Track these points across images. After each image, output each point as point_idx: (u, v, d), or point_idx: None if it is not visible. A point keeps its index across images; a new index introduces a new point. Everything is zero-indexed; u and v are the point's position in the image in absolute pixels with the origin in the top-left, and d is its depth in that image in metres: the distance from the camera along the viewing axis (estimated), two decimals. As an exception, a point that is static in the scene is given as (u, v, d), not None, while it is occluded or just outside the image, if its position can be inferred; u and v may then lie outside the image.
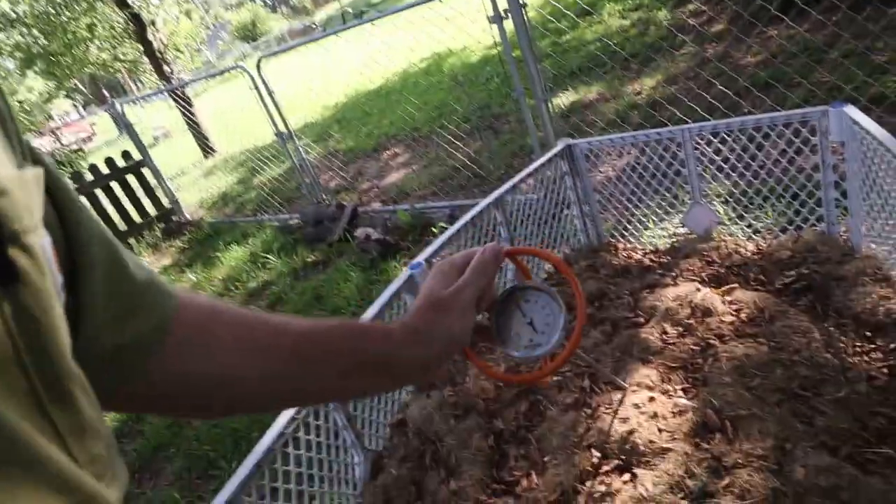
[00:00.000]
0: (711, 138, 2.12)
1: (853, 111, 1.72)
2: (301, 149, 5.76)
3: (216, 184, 9.45)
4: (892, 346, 1.46)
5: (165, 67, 11.23)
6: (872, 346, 1.48)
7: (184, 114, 9.65)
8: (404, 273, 1.88)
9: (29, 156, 0.42)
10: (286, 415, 1.48)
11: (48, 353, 0.35)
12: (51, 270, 0.36)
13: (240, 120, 8.76)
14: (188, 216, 7.97)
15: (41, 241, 0.35)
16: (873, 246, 1.77)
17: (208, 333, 0.57)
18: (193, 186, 9.93)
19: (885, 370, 1.41)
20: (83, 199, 0.51)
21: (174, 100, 9.00)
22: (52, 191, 0.43)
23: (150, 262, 6.98)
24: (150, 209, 7.86)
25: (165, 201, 7.92)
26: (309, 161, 6.04)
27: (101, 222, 0.49)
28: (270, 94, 5.38)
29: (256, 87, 5.35)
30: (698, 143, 2.14)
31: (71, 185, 0.47)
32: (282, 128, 5.58)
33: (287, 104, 6.00)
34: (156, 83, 11.85)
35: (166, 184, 7.62)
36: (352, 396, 1.46)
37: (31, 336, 0.33)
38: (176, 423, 3.50)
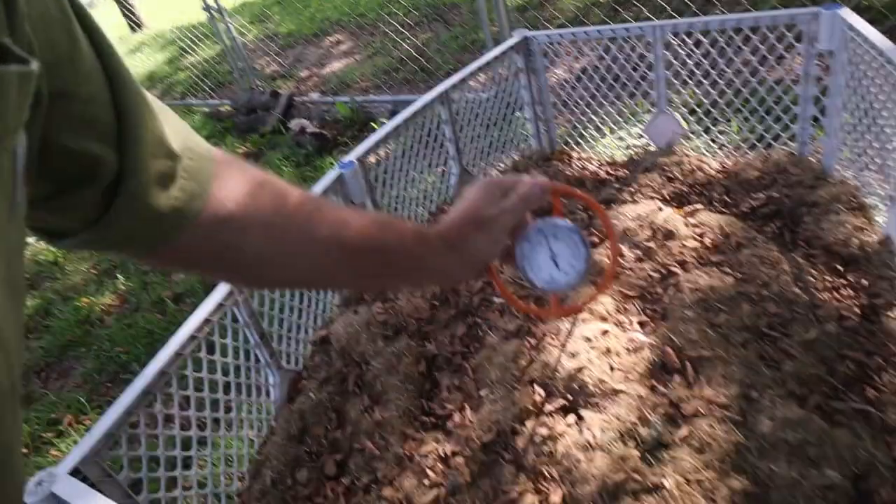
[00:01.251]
0: (685, 39, 1.89)
1: (848, 14, 1.52)
2: (232, 27, 5.19)
3: (143, 62, 8.62)
4: (864, 282, 1.35)
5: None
6: (843, 281, 1.36)
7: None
8: (333, 171, 1.63)
9: (37, 35, 0.36)
10: (184, 331, 1.26)
11: None
12: (12, 185, 0.32)
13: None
14: (108, 95, 7.26)
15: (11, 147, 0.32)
16: (848, 173, 1.63)
17: (249, 208, 0.56)
18: (117, 63, 9.04)
19: (856, 309, 1.29)
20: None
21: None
22: (99, 51, 0.43)
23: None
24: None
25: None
26: (243, 43, 5.48)
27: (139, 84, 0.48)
28: (197, -42, 4.74)
29: (180, -50, 4.70)
30: (671, 42, 1.91)
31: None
32: (210, 1, 4.98)
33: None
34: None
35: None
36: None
37: None
38: (87, 321, 3.24)
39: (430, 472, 1.19)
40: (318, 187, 1.57)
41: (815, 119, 1.78)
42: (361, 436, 1.35)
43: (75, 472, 1.04)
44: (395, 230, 0.68)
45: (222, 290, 1.32)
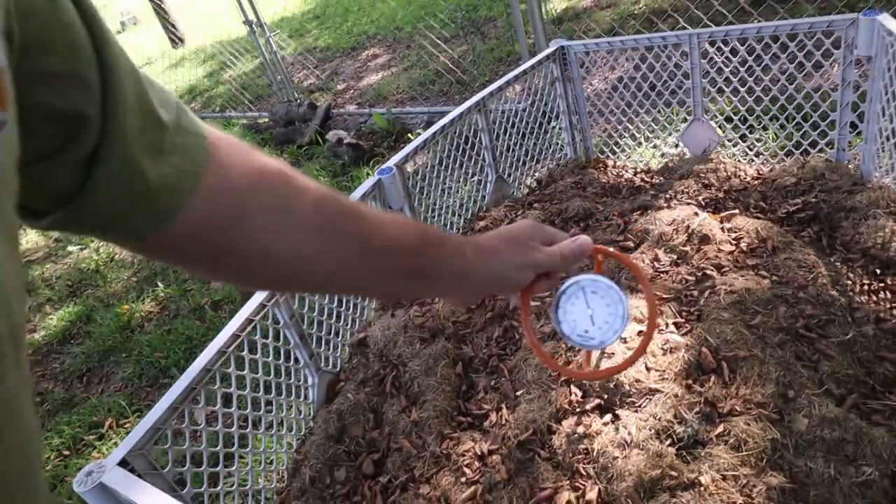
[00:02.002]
0: (722, 46, 1.89)
1: (888, 20, 1.51)
2: (272, 41, 5.34)
3: (184, 76, 8.90)
4: (904, 286, 1.34)
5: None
6: (882, 284, 1.35)
7: (149, -2, 8.92)
8: (373, 178, 1.68)
9: None
10: (227, 330, 1.31)
11: None
12: None
13: (212, 8, 8.15)
14: (152, 110, 7.51)
15: None
16: (887, 179, 1.61)
17: (252, 192, 0.51)
18: (159, 78, 9.36)
19: (894, 311, 1.28)
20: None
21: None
22: (81, 9, 0.40)
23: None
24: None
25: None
26: (282, 57, 5.63)
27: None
28: (239, -24, 4.90)
29: (223, -31, 4.86)
30: (707, 50, 1.92)
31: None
32: (251, 15, 5.13)
33: (260, -7, 5.50)
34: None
35: (127, 74, 7.10)
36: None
37: None
38: (128, 327, 3.34)
39: (466, 470, 1.22)
40: (357, 193, 1.61)
41: (853, 126, 1.76)
42: (399, 435, 1.38)
43: (123, 464, 1.08)
44: (419, 227, 0.65)
45: (263, 292, 1.37)
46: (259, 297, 1.35)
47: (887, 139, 1.57)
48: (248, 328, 1.32)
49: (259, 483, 1.40)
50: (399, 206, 1.71)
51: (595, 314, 0.78)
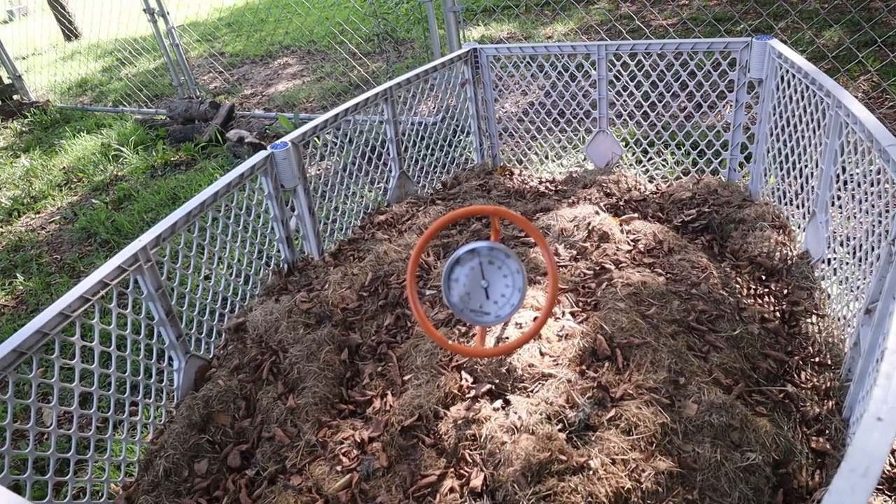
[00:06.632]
0: (628, 60, 1.94)
1: (778, 44, 1.60)
2: (175, 34, 5.07)
3: (76, 69, 8.30)
4: (785, 291, 1.37)
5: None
6: (766, 289, 1.38)
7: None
8: (264, 152, 1.56)
9: None
10: (75, 291, 1.12)
11: None
12: None
13: (116, 4, 7.72)
14: (32, 97, 6.92)
15: None
16: (772, 196, 1.68)
17: None
18: (48, 69, 8.68)
19: (777, 314, 1.31)
20: None
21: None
22: None
23: (-20, 142, 6.00)
24: (-16, 81, 6.76)
25: (5, 76, 6.84)
26: (187, 57, 5.35)
27: None
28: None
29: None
30: (612, 65, 1.96)
31: None
32: (153, 3, 4.85)
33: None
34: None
35: (6, 54, 6.53)
36: None
37: None
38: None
39: (343, 459, 1.10)
40: (245, 165, 1.49)
41: (745, 147, 1.84)
42: (272, 424, 1.25)
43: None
44: None
45: (125, 254, 1.21)
46: (118, 259, 1.19)
47: (774, 160, 1.64)
48: (102, 292, 1.15)
49: (102, 475, 1.21)
50: (292, 185, 1.60)
51: (491, 286, 0.73)
